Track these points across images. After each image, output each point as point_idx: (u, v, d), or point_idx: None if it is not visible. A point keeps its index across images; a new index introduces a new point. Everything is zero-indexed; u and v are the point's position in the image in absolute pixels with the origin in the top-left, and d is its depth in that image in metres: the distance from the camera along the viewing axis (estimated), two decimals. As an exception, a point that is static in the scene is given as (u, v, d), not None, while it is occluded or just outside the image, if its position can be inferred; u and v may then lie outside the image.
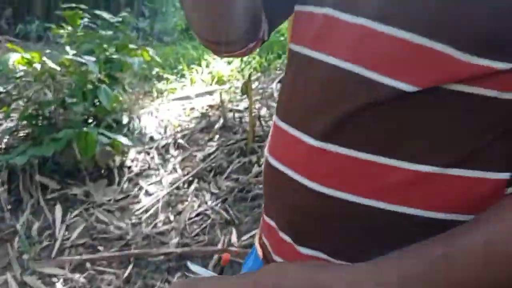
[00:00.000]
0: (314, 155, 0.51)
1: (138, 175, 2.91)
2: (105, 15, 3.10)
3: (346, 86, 0.48)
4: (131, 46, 3.27)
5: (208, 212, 2.45)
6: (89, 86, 2.93)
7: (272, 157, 0.58)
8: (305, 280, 0.43)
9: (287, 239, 0.57)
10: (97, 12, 3.17)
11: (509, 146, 0.47)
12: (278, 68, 5.23)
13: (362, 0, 0.48)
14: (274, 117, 0.60)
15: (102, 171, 2.82)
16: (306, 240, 0.54)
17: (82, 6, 3.05)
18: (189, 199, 2.61)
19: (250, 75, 3.07)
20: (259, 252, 0.67)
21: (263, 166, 0.63)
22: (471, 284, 0.40)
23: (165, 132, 3.59)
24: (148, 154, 3.21)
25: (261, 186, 2.66)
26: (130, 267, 2.03)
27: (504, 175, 0.47)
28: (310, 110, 0.52)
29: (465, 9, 0.42)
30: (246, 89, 3.04)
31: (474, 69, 0.43)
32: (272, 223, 0.60)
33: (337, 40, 0.50)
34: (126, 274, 1.99)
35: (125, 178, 2.82)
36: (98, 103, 2.97)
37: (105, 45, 3.14)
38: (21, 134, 2.99)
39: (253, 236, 2.19)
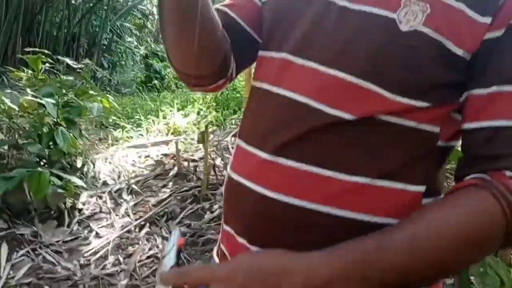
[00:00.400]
0: (267, 166, 0.63)
1: (89, 217, 2.90)
2: (68, 60, 3.19)
3: (298, 114, 0.62)
4: (91, 92, 3.36)
5: (159, 255, 2.47)
6: (45, 129, 2.96)
7: (233, 172, 0.70)
8: (273, 261, 0.52)
9: (243, 242, 0.67)
10: (60, 57, 3.25)
11: (425, 165, 0.62)
12: (234, 123, 5.41)
13: (312, 48, 0.63)
14: (237, 140, 0.73)
15: (52, 213, 2.79)
16: (260, 241, 0.65)
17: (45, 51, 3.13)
18: (140, 242, 2.62)
19: (207, 126, 3.21)
20: (217, 261, 0.77)
21: (224, 181, 0.74)
22: (399, 270, 0.51)
23: (119, 177, 3.61)
24: (100, 198, 3.20)
25: (213, 231, 2.72)
26: (76, 307, 2.00)
27: (421, 188, 0.61)
28: (267, 131, 0.65)
29: (390, 59, 0.57)
30: (202, 139, 3.17)
31: (397, 105, 0.58)
32: (230, 230, 0.71)
33: (292, 78, 0.64)
34: (72, 314, 1.96)
35: (75, 220, 2.80)
36: (53, 146, 3.00)
37: (64, 90, 3.21)
38: (-30, 172, 2.93)
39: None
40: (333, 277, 0.49)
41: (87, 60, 3.67)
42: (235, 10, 0.77)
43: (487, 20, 0.54)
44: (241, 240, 0.67)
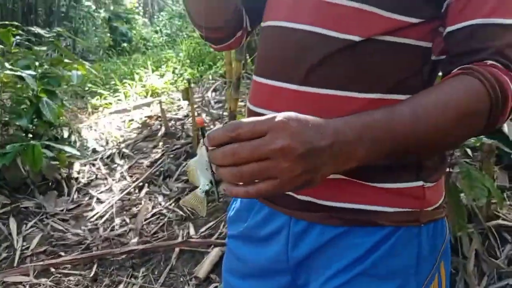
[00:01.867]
0: (296, 96, 0.70)
1: (86, 185, 2.94)
2: (40, 30, 3.11)
3: (312, 43, 0.68)
4: (66, 60, 3.30)
5: (163, 211, 2.56)
6: (27, 102, 2.93)
7: (255, 106, 0.76)
8: (314, 118, 0.55)
9: None
10: (31, 28, 3.16)
11: (423, 78, 0.70)
12: (211, 79, 5.40)
13: None
14: (253, 76, 0.79)
15: (50, 184, 2.82)
16: None
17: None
18: (142, 202, 2.69)
19: (189, 80, 3.22)
20: None
21: (246, 115, 0.80)
22: (403, 134, 0.58)
23: (107, 143, 3.63)
24: (94, 165, 3.24)
25: (210, 183, 2.80)
26: (94, 267, 2.09)
27: None
28: (286, 65, 0.71)
29: None
30: (187, 95, 3.18)
31: (395, 22, 0.65)
32: None
33: (301, 11, 0.70)
34: (92, 274, 2.05)
35: (74, 189, 2.84)
36: (36, 119, 2.97)
37: (38, 62, 3.14)
38: (-42, 154, 2.91)
39: (211, 228, 2.34)
40: (351, 139, 0.55)
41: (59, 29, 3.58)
42: None
43: None
44: None
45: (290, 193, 0.72)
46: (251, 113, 0.77)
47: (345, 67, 0.67)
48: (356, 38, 0.66)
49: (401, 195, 0.70)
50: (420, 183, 0.71)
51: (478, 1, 0.62)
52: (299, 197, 0.72)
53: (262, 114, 0.74)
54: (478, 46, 0.62)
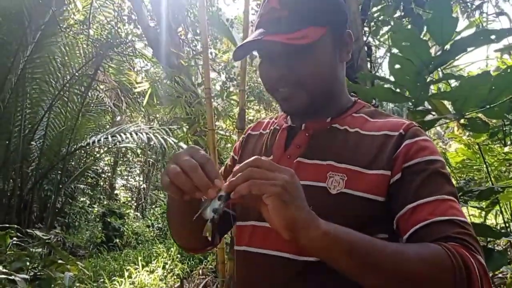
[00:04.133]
0: None
1: None
2: (38, 233, 3.20)
3: (279, 265, 0.83)
4: (60, 261, 3.31)
5: None
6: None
7: None
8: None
9: None
10: (29, 230, 3.26)
11: None
12: (201, 274, 5.34)
13: None
14: None
15: None
16: None
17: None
18: None
19: (182, 280, 3.20)
20: None
21: None
22: (361, 255, 0.69)
23: None
24: None
25: None
26: None
27: None
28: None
29: (330, 213, 0.76)
30: (179, 295, 3.13)
31: None
32: None
33: (263, 239, 0.86)
34: None
35: None
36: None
37: (30, 263, 3.14)
38: None
39: None
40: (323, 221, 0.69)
41: (37, 227, 3.67)
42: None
43: (388, 172, 0.80)
44: None
45: None
46: None
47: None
48: (312, 259, 0.79)
49: None
50: None
51: (418, 210, 0.77)
52: None
53: None
54: (432, 238, 0.74)
